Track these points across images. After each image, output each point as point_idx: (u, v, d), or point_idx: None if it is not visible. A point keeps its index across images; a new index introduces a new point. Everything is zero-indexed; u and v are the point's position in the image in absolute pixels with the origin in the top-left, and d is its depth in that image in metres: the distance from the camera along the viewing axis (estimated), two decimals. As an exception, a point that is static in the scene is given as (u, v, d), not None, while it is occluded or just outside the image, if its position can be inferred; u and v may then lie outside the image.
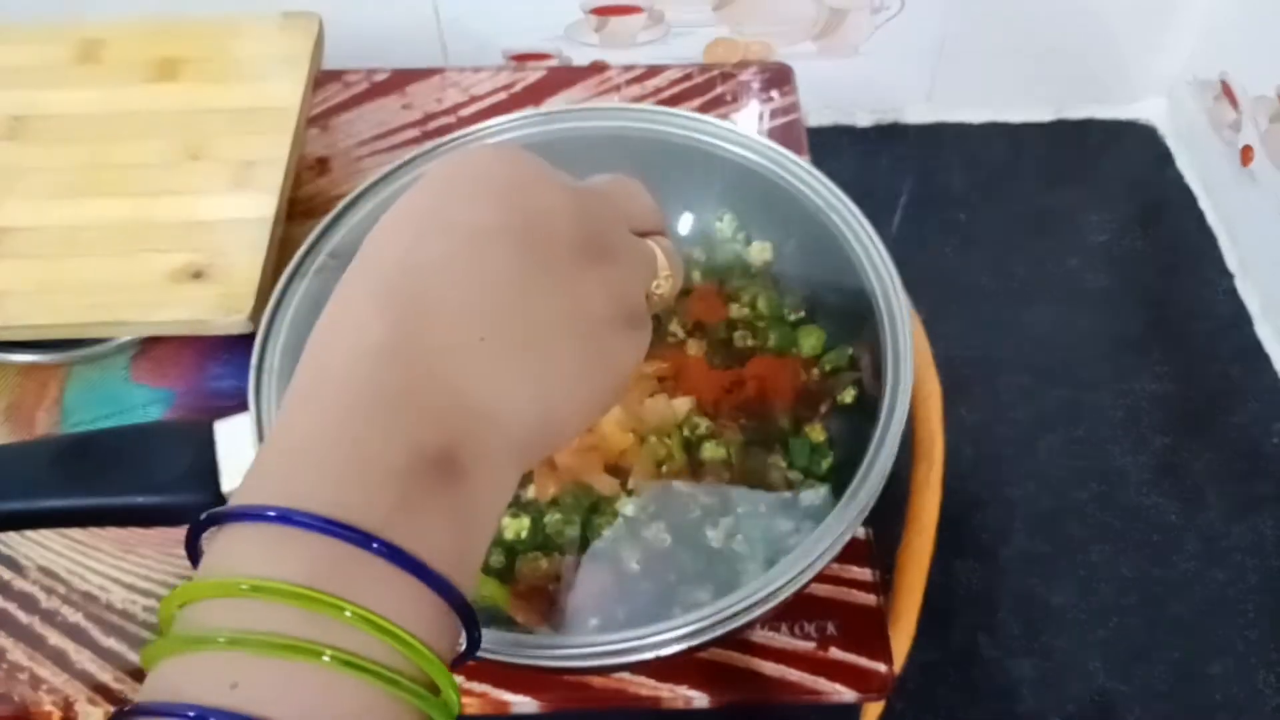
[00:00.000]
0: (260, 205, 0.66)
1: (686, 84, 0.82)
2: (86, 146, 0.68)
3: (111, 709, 0.54)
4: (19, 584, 0.59)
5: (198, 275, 0.63)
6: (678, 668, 0.56)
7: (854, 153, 1.12)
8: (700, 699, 0.55)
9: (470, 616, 0.28)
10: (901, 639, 0.59)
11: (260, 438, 0.51)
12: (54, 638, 0.57)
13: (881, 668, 0.55)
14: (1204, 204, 1.07)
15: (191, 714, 0.23)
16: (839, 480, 0.57)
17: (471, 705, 0.54)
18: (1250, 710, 0.77)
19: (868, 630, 0.56)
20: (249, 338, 0.57)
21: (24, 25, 0.74)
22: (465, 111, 0.80)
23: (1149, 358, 0.96)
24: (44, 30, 0.74)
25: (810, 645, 0.56)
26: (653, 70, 0.83)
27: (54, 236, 0.63)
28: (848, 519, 0.49)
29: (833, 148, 1.12)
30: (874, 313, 0.57)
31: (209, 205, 0.66)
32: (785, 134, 0.78)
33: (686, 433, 0.58)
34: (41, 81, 0.72)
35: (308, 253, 0.58)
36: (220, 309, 0.61)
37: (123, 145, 0.68)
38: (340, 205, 0.60)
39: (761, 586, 0.52)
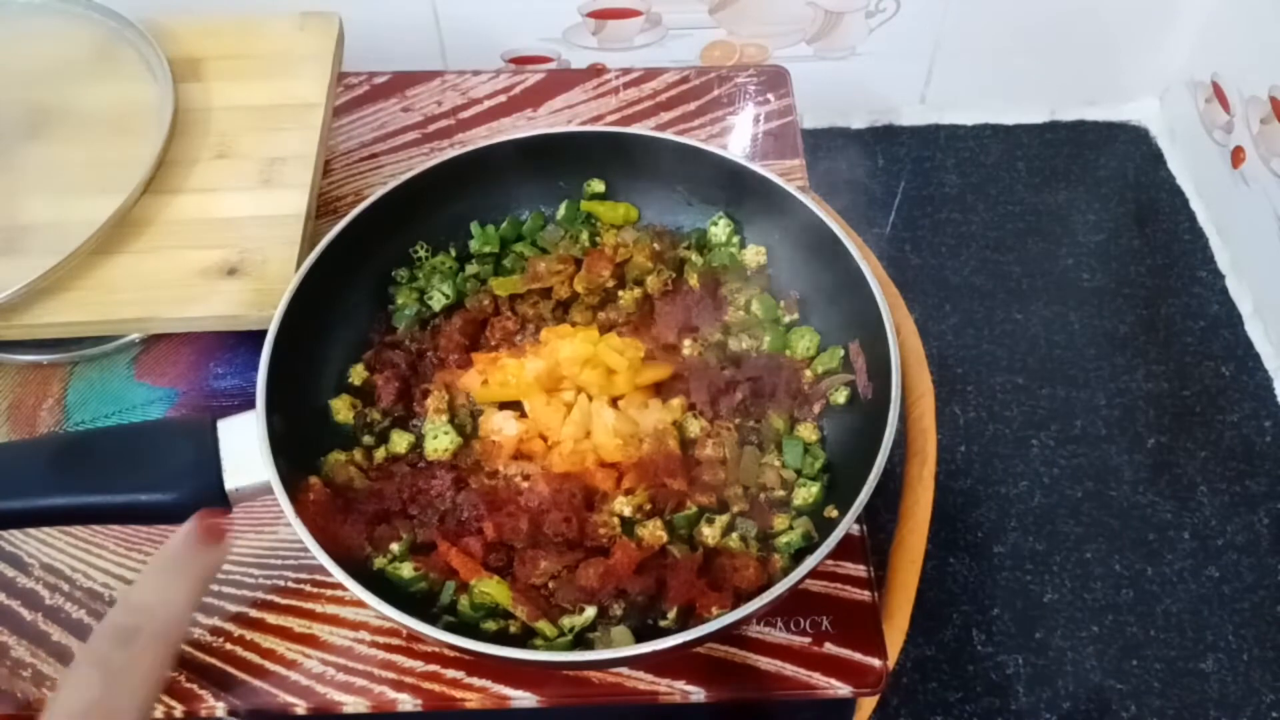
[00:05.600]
0: (291, 201, 0.66)
1: (683, 86, 0.82)
2: (109, 143, 0.69)
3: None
4: (23, 581, 0.59)
5: (231, 272, 0.63)
6: (675, 663, 0.56)
7: (849, 154, 1.13)
8: (697, 694, 0.56)
9: None
10: (895, 634, 0.59)
11: (270, 436, 0.52)
12: (57, 635, 0.57)
13: (876, 663, 0.56)
14: (1195, 205, 1.08)
15: None
16: (832, 479, 0.58)
17: (472, 700, 0.55)
18: (1244, 707, 0.78)
19: (862, 626, 0.57)
20: (252, 337, 0.57)
21: (43, 22, 0.74)
22: (465, 114, 0.81)
23: (1142, 357, 0.97)
24: (64, 28, 0.74)
25: (805, 641, 0.56)
26: (650, 73, 0.83)
27: (80, 234, 0.63)
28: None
29: (828, 149, 1.13)
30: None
31: (238, 202, 0.67)
32: (781, 136, 0.79)
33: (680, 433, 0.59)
34: (63, 78, 0.72)
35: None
36: (254, 304, 0.62)
37: (146, 142, 0.68)
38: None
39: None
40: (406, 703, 0.55)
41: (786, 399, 0.61)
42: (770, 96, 0.82)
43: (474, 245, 0.67)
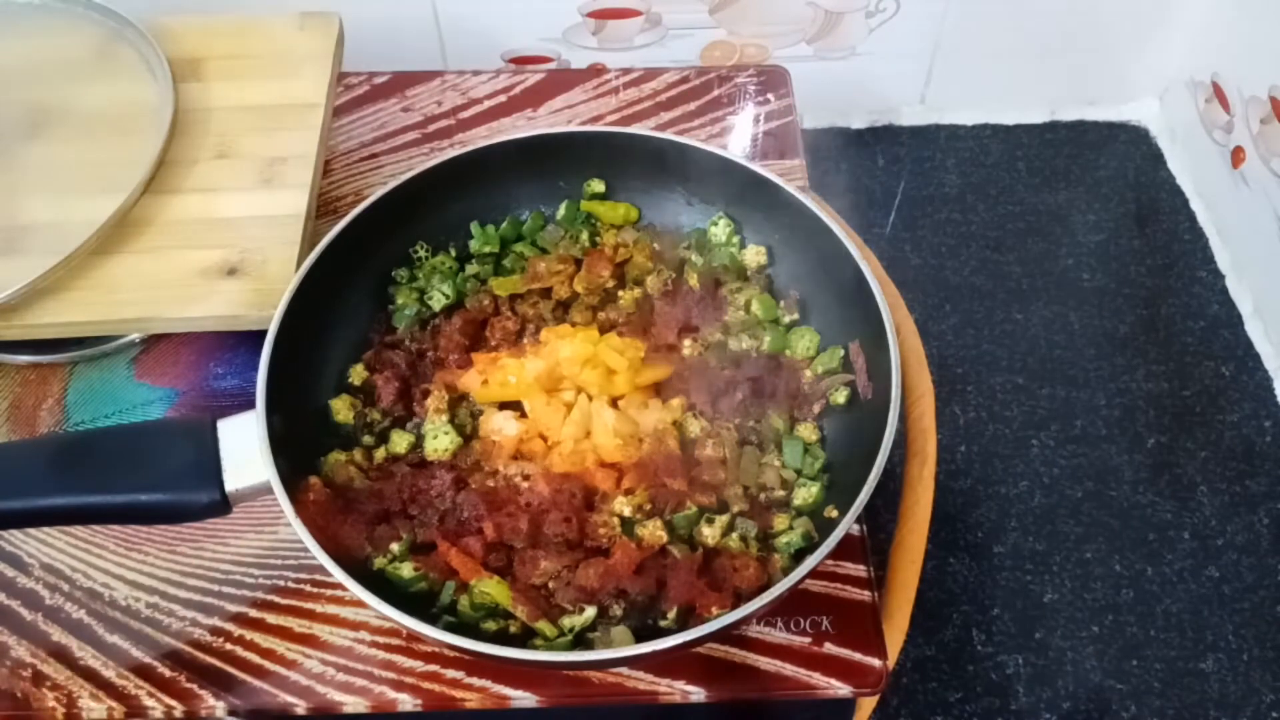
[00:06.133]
0: (291, 201, 0.67)
1: (683, 86, 0.82)
2: (109, 143, 0.69)
3: (114, 705, 0.55)
4: (22, 581, 0.59)
5: (231, 272, 0.63)
6: (675, 663, 0.56)
7: (849, 154, 1.13)
8: (697, 694, 0.56)
9: None
10: (895, 634, 0.59)
11: (270, 436, 0.52)
12: (57, 634, 0.57)
13: (875, 663, 0.56)
14: (1195, 205, 1.08)
15: None
16: (832, 479, 0.58)
17: (472, 700, 0.55)
18: (1244, 707, 0.78)
19: (862, 626, 0.57)
20: (252, 337, 0.57)
21: (43, 22, 0.74)
22: (464, 114, 0.81)
23: (1142, 357, 0.97)
24: (64, 28, 0.74)
25: (805, 640, 0.56)
26: (650, 73, 0.83)
27: (80, 234, 0.63)
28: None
29: (828, 149, 1.13)
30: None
31: (238, 202, 0.67)
32: (781, 136, 0.79)
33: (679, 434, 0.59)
34: (63, 78, 0.72)
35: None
36: (254, 304, 0.62)
37: (146, 142, 0.68)
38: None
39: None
40: (406, 703, 0.55)
41: (786, 399, 0.61)
42: (770, 96, 0.82)
43: (474, 245, 0.67)
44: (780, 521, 0.56)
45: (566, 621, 0.53)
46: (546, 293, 0.65)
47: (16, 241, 0.64)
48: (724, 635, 0.55)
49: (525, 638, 0.53)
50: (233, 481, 0.52)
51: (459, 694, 0.55)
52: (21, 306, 0.61)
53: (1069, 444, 0.92)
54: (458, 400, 0.61)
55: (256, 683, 0.56)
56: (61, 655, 0.57)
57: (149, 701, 0.55)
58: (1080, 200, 1.08)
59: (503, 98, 0.82)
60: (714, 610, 0.51)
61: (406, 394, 0.61)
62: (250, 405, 0.53)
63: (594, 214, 0.68)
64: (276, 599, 0.58)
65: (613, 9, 1.05)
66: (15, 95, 0.72)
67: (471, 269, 0.66)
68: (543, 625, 0.52)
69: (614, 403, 0.60)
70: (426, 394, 0.61)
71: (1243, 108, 0.99)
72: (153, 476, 0.51)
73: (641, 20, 1.06)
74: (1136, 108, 1.16)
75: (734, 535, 0.56)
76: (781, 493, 0.58)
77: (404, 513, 0.56)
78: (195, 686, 0.55)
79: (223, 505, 0.52)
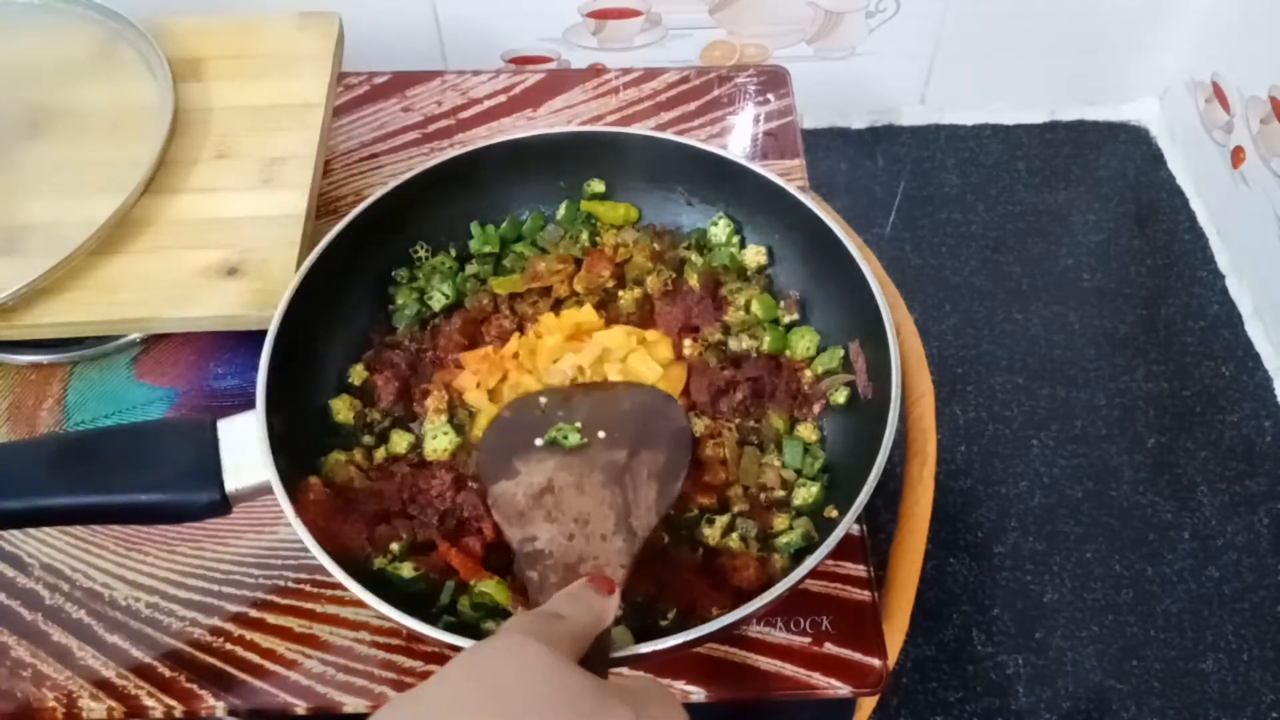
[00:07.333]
0: (291, 202, 0.67)
1: (684, 86, 0.82)
2: (109, 143, 0.69)
3: (114, 705, 0.55)
4: (22, 581, 0.59)
5: (231, 272, 0.63)
6: (675, 663, 0.56)
7: (849, 154, 1.13)
8: (697, 694, 0.56)
9: None
10: (895, 634, 0.59)
11: (270, 436, 0.52)
12: (57, 634, 0.57)
13: (875, 663, 0.56)
14: (1195, 205, 1.08)
15: None
16: (832, 479, 0.58)
17: (471, 700, 0.55)
18: (1244, 707, 0.78)
19: (862, 626, 0.57)
20: (252, 337, 0.57)
21: (43, 22, 0.74)
22: (464, 114, 0.81)
23: (1142, 357, 0.97)
24: (64, 28, 0.74)
25: (805, 641, 0.56)
26: (650, 73, 0.83)
27: (80, 234, 0.63)
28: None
29: (828, 149, 1.13)
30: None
31: (238, 202, 0.67)
32: (781, 136, 0.79)
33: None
34: (63, 78, 0.73)
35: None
36: (254, 304, 0.62)
37: (146, 142, 0.68)
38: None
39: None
40: (406, 703, 0.55)
41: (786, 399, 0.61)
42: (770, 96, 0.82)
43: (474, 245, 0.67)
44: (780, 521, 0.56)
45: (566, 621, 0.53)
46: (546, 292, 0.65)
47: (16, 242, 0.64)
48: (724, 635, 0.54)
49: (525, 638, 0.53)
50: (233, 481, 0.51)
51: (459, 694, 0.55)
52: (21, 306, 0.61)
53: (1069, 444, 0.92)
54: (457, 400, 0.61)
55: (256, 683, 0.56)
56: (61, 655, 0.57)
57: (149, 701, 0.55)
58: (1080, 200, 1.09)
59: (503, 98, 0.82)
60: (714, 610, 0.51)
61: (406, 394, 0.61)
62: (250, 405, 0.53)
63: (594, 214, 0.68)
64: (276, 599, 0.58)
65: (613, 9, 1.05)
66: (15, 95, 0.72)
67: (471, 269, 0.66)
68: (543, 625, 0.52)
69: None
70: (426, 394, 0.61)
71: (1243, 108, 0.99)
72: (153, 476, 0.51)
73: (641, 20, 1.06)
74: (1136, 108, 1.16)
75: (734, 535, 0.56)
76: (781, 493, 0.58)
77: (404, 513, 0.56)
78: (195, 686, 0.55)
79: (223, 505, 0.52)
